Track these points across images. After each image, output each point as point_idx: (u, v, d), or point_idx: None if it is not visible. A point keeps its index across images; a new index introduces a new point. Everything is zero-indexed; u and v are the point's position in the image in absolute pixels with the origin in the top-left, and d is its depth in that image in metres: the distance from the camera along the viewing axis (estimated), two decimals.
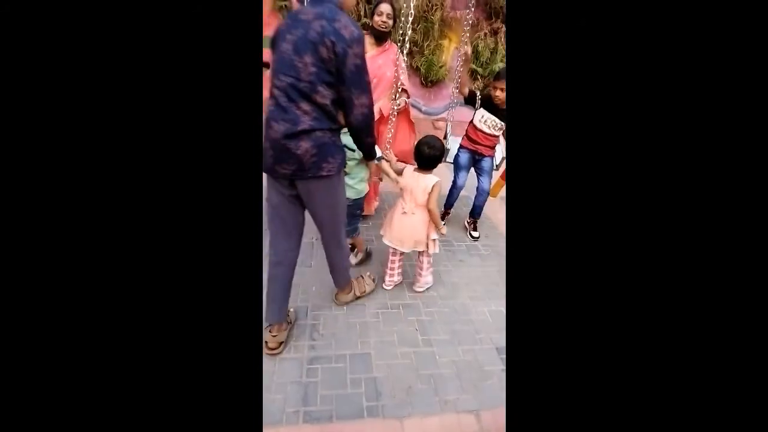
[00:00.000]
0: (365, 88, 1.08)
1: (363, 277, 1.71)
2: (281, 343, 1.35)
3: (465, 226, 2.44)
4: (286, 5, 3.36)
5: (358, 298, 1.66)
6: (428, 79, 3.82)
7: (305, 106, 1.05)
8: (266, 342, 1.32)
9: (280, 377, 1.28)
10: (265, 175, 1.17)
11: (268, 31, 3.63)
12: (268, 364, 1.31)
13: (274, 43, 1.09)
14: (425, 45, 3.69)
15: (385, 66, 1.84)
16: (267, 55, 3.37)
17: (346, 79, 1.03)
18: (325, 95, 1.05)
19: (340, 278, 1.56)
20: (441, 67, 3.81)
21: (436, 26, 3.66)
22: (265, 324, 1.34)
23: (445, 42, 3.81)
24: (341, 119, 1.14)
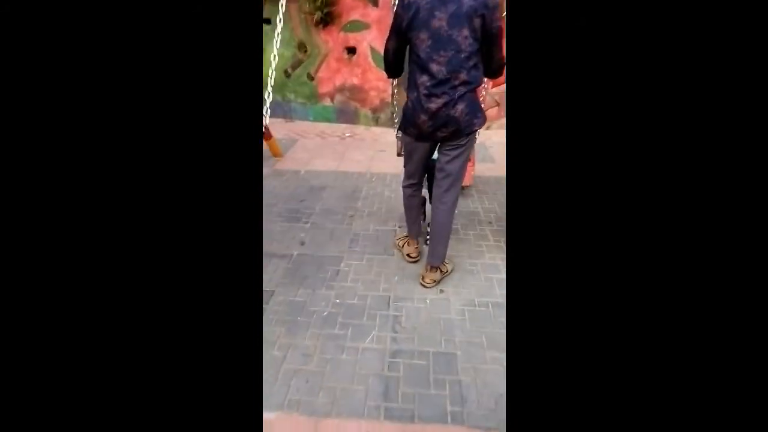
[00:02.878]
0: (501, 43, 1.24)
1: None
2: (419, 253, 1.75)
3: None
4: None
5: (443, 277, 1.64)
6: None
7: (463, 75, 1.21)
8: (408, 254, 1.74)
9: (362, 368, 1.26)
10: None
11: (353, 16, 3.61)
12: (351, 354, 1.31)
13: (413, 22, 1.19)
14: None
15: None
16: (353, 40, 3.39)
17: (490, 40, 1.21)
18: (476, 59, 1.22)
19: (440, 248, 1.55)
20: None
21: None
22: (405, 236, 1.79)
23: None
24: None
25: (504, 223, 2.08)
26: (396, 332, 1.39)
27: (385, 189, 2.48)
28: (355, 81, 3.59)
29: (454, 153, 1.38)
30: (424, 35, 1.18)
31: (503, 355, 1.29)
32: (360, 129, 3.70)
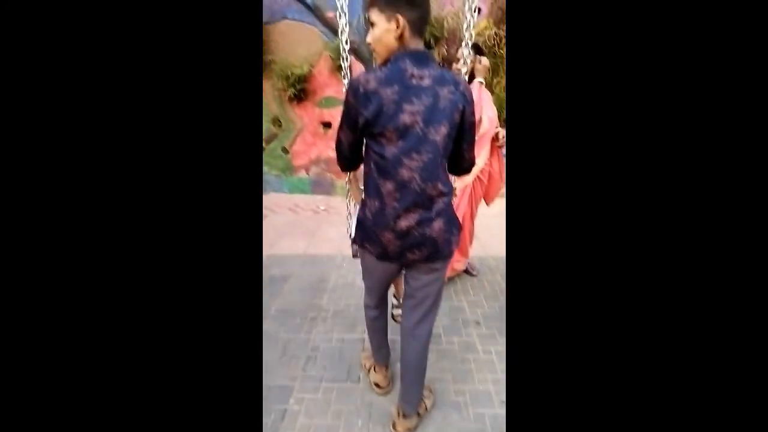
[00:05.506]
0: (473, 140, 1.03)
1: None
2: (390, 381, 1.42)
3: None
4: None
5: (420, 420, 1.27)
6: (500, 118, 3.33)
7: (439, 184, 0.95)
8: (376, 383, 1.41)
9: None
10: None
11: (327, 92, 3.56)
12: None
13: (377, 120, 0.88)
14: (495, 82, 3.26)
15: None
16: (328, 116, 3.30)
17: (464, 137, 0.99)
18: (446, 162, 0.99)
19: (413, 391, 1.19)
20: None
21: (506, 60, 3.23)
22: (373, 365, 1.45)
23: None
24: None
25: (496, 324, 1.74)
26: None
27: (357, 276, 2.16)
28: (331, 153, 3.47)
29: (428, 278, 1.05)
30: (391, 133, 0.88)
31: None
32: (336, 200, 3.50)
